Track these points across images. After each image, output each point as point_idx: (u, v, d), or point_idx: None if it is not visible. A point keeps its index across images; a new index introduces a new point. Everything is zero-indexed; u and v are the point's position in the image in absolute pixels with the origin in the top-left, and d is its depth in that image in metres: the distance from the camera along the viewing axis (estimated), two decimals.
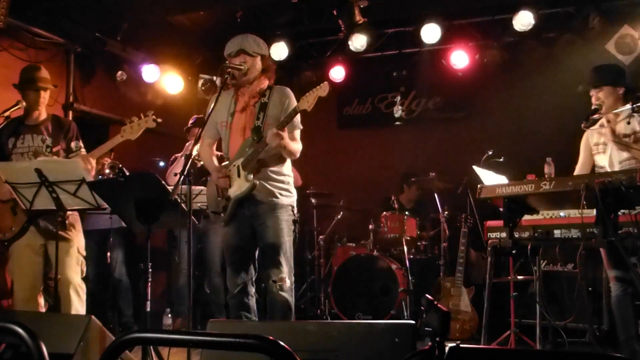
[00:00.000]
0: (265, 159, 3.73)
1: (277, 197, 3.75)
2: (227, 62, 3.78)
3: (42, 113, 4.33)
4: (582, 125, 3.83)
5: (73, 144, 4.30)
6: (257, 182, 3.67)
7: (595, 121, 3.87)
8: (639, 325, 4.01)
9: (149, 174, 3.40)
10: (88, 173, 3.80)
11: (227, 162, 3.86)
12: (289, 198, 3.82)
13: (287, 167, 3.89)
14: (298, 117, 3.75)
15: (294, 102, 3.75)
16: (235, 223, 3.81)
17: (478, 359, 1.60)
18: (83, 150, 4.28)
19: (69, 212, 4.17)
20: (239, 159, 3.74)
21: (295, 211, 3.86)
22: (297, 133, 3.82)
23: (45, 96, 4.31)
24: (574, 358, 1.63)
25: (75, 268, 4.20)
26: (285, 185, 3.82)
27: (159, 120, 3.67)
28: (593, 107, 3.86)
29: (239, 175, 3.73)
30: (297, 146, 3.77)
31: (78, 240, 4.29)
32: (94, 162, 4.08)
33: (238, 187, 3.74)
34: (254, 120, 3.75)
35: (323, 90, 3.54)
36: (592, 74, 4.13)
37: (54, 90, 4.57)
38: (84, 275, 4.31)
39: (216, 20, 6.70)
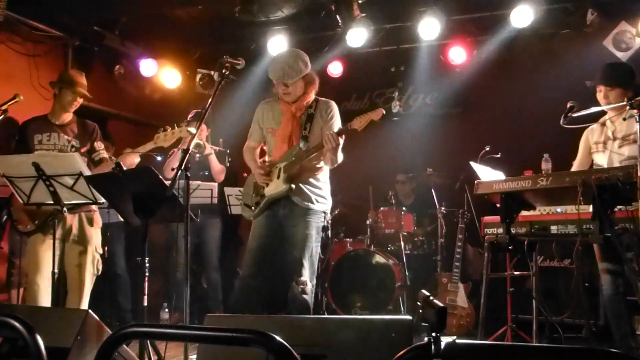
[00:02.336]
0: (306, 165, 3.99)
1: (312, 203, 3.99)
2: (224, 56, 3.80)
3: (70, 115, 4.39)
4: (561, 122, 3.82)
5: (97, 144, 4.41)
6: (294, 186, 3.93)
7: (574, 119, 3.84)
8: (634, 321, 4.02)
9: (146, 169, 3.40)
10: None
11: (269, 162, 4.11)
12: (323, 205, 4.06)
13: (325, 175, 4.14)
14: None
15: (336, 114, 4.02)
16: (265, 218, 4.06)
17: (474, 354, 1.61)
18: (103, 151, 4.41)
19: (93, 208, 4.22)
20: (282, 163, 4.00)
21: (328, 217, 4.13)
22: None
23: (79, 102, 4.40)
24: (571, 353, 1.63)
25: (89, 269, 4.24)
26: (322, 192, 4.07)
27: (194, 132, 3.70)
28: (569, 105, 3.83)
29: (278, 177, 3.99)
30: (340, 156, 3.99)
31: (97, 238, 4.34)
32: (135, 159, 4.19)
33: (275, 188, 4.00)
34: (301, 130, 4.03)
35: (376, 115, 3.89)
36: (607, 72, 4.04)
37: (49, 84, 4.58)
38: (99, 273, 4.33)
39: (214, 14, 6.69)
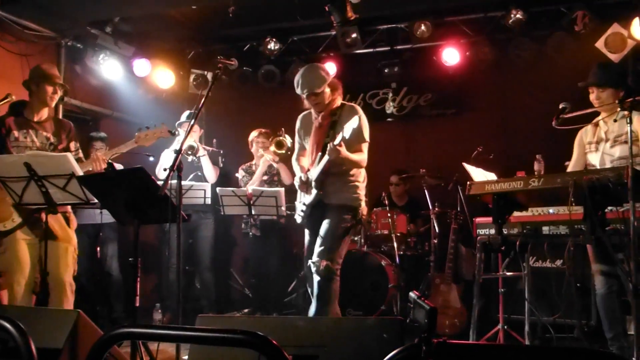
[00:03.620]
0: (333, 169, 4.25)
1: (341, 202, 4.29)
2: (218, 57, 3.83)
3: (47, 111, 4.35)
4: (553, 123, 3.84)
5: (72, 145, 4.38)
6: (321, 192, 4.28)
7: (566, 120, 3.86)
8: (626, 321, 4.04)
9: (138, 169, 3.39)
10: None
11: (308, 171, 4.44)
12: (353, 202, 4.33)
13: (356, 175, 4.38)
14: (365, 132, 4.30)
15: (357, 119, 4.08)
16: (310, 222, 4.42)
17: (464, 354, 1.61)
18: (78, 152, 4.37)
19: (69, 208, 4.18)
20: (313, 171, 4.33)
21: (360, 214, 4.37)
22: (364, 146, 4.33)
23: (59, 94, 4.36)
24: (562, 354, 1.64)
25: (70, 268, 4.21)
26: (352, 191, 4.34)
27: (175, 132, 3.75)
28: (561, 107, 3.85)
29: (311, 185, 4.34)
30: (359, 157, 4.29)
31: (75, 237, 4.32)
32: (104, 164, 4.16)
33: (310, 194, 4.37)
34: (326, 138, 4.28)
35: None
36: (598, 72, 4.07)
37: None
38: (76, 274, 4.31)
39: (208, 14, 6.68)
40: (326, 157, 4.15)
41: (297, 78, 4.35)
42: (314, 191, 4.32)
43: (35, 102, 4.29)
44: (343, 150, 4.09)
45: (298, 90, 4.35)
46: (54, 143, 4.27)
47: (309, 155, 4.44)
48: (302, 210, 4.46)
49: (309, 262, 4.25)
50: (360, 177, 4.42)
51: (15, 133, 4.19)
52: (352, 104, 4.49)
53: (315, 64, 4.52)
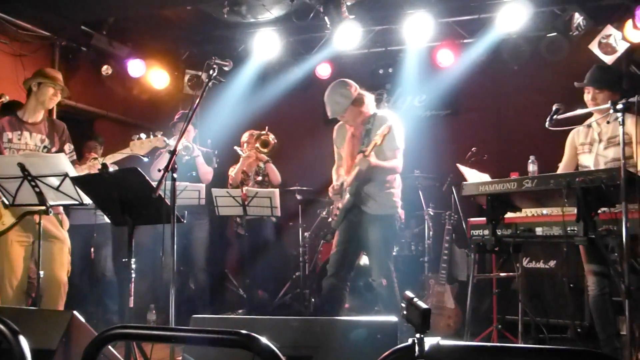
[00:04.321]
0: (368, 176, 4.29)
1: (377, 210, 4.33)
2: (212, 58, 3.82)
3: (42, 113, 4.34)
4: (546, 124, 3.85)
5: (66, 147, 4.38)
6: (354, 198, 4.32)
7: (560, 121, 3.88)
8: (619, 322, 4.05)
9: (132, 170, 3.38)
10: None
11: (342, 180, 4.48)
12: (389, 210, 4.38)
13: (391, 182, 4.43)
14: (398, 138, 4.34)
15: (388, 127, 4.17)
16: (343, 227, 4.43)
17: (457, 355, 1.62)
18: (72, 154, 4.38)
19: (60, 209, 4.17)
20: (348, 178, 4.35)
21: (399, 222, 4.46)
22: (398, 152, 4.37)
23: (59, 96, 4.36)
24: (556, 354, 1.65)
25: (64, 267, 4.20)
26: (387, 199, 4.38)
27: (169, 142, 3.75)
28: (555, 108, 3.86)
29: (345, 191, 4.39)
30: (393, 164, 4.34)
31: (67, 238, 4.31)
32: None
33: (345, 200, 4.40)
34: (360, 146, 4.34)
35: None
36: (596, 73, 4.07)
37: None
38: (69, 274, 4.30)
39: (203, 15, 6.67)
40: (357, 167, 4.20)
41: (325, 101, 4.45)
42: (347, 196, 4.36)
43: (33, 103, 4.28)
44: (373, 159, 4.15)
45: (328, 114, 4.45)
46: (48, 146, 4.26)
47: (345, 164, 4.50)
48: (335, 215, 4.50)
49: (370, 280, 4.45)
50: (395, 182, 4.46)
51: (9, 134, 4.18)
52: (385, 113, 4.51)
53: (338, 82, 4.55)
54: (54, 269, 4.12)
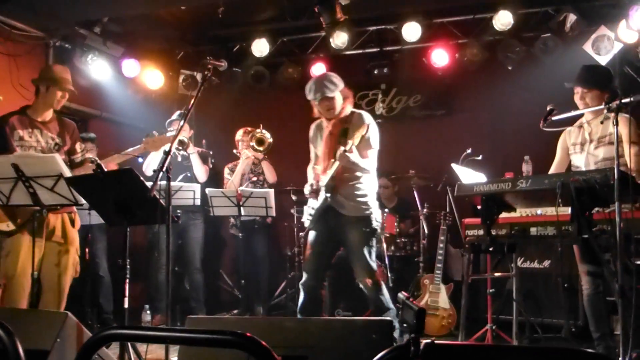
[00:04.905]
0: (344, 177, 4.32)
1: (355, 212, 4.33)
2: (207, 58, 3.83)
3: (51, 112, 4.32)
4: (541, 124, 3.87)
5: (78, 145, 4.37)
6: (329, 197, 4.31)
7: (554, 122, 3.89)
8: (613, 321, 4.07)
9: (127, 170, 3.38)
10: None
11: (319, 180, 4.45)
12: (367, 211, 4.36)
13: (367, 183, 4.41)
14: (374, 139, 4.37)
15: (367, 126, 4.25)
16: (319, 226, 4.44)
17: (452, 355, 1.62)
18: (84, 153, 4.40)
19: (74, 208, 4.16)
20: (324, 178, 4.34)
21: (375, 222, 4.40)
22: (371, 152, 4.38)
23: (66, 98, 4.34)
24: (550, 354, 1.65)
25: (68, 270, 4.18)
26: (364, 200, 4.37)
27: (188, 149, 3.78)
28: (549, 108, 3.88)
29: (321, 190, 4.37)
30: (367, 163, 4.34)
31: (78, 239, 4.29)
32: (115, 166, 4.17)
33: (319, 200, 4.39)
34: (336, 145, 4.29)
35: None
36: (584, 74, 4.08)
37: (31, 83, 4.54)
38: (77, 275, 4.28)
39: (197, 15, 6.67)
40: (337, 163, 4.19)
41: (309, 84, 4.40)
42: (322, 195, 4.36)
43: (41, 103, 4.26)
44: (352, 156, 4.15)
45: (310, 96, 4.39)
46: (59, 144, 4.24)
47: (321, 163, 4.48)
48: (310, 215, 4.49)
49: (358, 281, 4.39)
50: (370, 184, 4.45)
51: (20, 132, 4.14)
52: (362, 111, 4.53)
53: (325, 74, 4.61)
54: (55, 272, 4.10)
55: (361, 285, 4.38)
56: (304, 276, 4.46)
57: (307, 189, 4.49)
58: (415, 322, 1.63)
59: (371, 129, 4.34)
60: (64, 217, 4.18)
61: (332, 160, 4.28)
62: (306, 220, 4.56)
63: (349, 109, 4.46)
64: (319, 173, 4.51)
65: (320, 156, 4.51)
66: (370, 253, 4.35)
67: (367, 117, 4.42)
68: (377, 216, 4.44)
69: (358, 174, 4.36)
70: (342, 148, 4.12)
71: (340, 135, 4.36)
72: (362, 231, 4.33)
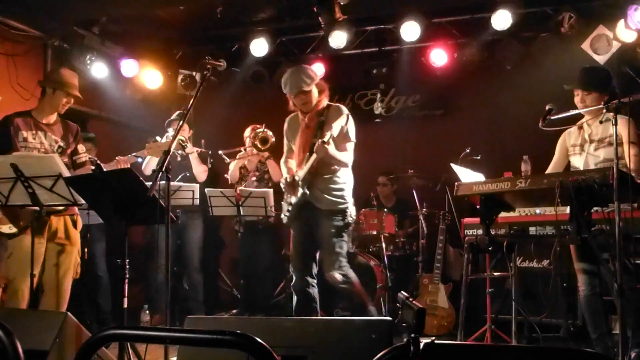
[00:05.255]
0: (320, 171, 4.28)
1: (331, 205, 4.30)
2: (206, 58, 3.82)
3: (55, 115, 4.33)
4: (540, 124, 3.87)
5: (80, 147, 4.38)
6: (307, 192, 4.27)
7: (553, 121, 3.89)
8: (611, 321, 4.08)
9: (126, 170, 3.38)
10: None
11: (295, 172, 4.41)
12: (342, 205, 4.33)
13: (343, 177, 4.38)
14: (352, 131, 4.34)
15: (344, 118, 4.23)
16: (298, 223, 4.43)
17: (452, 355, 1.63)
18: (86, 155, 4.42)
19: (75, 209, 4.18)
20: (300, 172, 4.30)
21: (349, 217, 4.37)
22: (349, 145, 4.35)
23: (71, 103, 4.35)
24: (548, 353, 1.66)
25: (70, 271, 4.19)
26: (340, 194, 4.34)
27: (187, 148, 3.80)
28: (548, 108, 3.88)
29: (298, 185, 4.31)
30: (346, 156, 4.32)
31: (79, 240, 4.30)
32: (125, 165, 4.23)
33: (297, 195, 4.34)
34: (312, 138, 4.25)
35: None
36: (584, 76, 4.06)
37: (35, 84, 4.55)
38: (78, 277, 4.29)
39: (196, 15, 6.66)
40: (314, 156, 4.14)
41: (285, 78, 4.38)
42: (300, 191, 4.31)
43: (47, 105, 4.27)
44: (331, 148, 4.10)
45: (286, 90, 4.37)
46: (63, 146, 4.25)
47: (296, 157, 4.44)
48: (288, 211, 4.46)
49: (326, 276, 4.34)
50: (347, 178, 4.42)
51: (24, 133, 4.15)
52: (339, 104, 4.50)
53: (302, 65, 4.59)
54: (57, 273, 4.11)
55: (329, 280, 4.33)
56: (293, 278, 4.46)
57: (283, 183, 4.45)
58: (415, 321, 1.64)
59: (350, 121, 4.32)
60: (66, 219, 4.20)
61: (308, 153, 4.24)
62: (284, 216, 4.52)
63: (325, 102, 4.43)
64: (292, 167, 4.48)
65: (295, 150, 4.47)
66: (341, 247, 4.32)
67: (344, 109, 4.37)
68: (352, 211, 4.41)
69: (335, 167, 4.34)
70: (320, 140, 4.06)
71: (317, 128, 4.33)
72: (335, 224, 4.29)
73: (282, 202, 4.58)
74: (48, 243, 4.09)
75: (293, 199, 4.39)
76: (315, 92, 4.36)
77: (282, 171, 4.65)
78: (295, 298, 4.45)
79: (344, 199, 4.36)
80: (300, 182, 4.30)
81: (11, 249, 4.04)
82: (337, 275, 4.28)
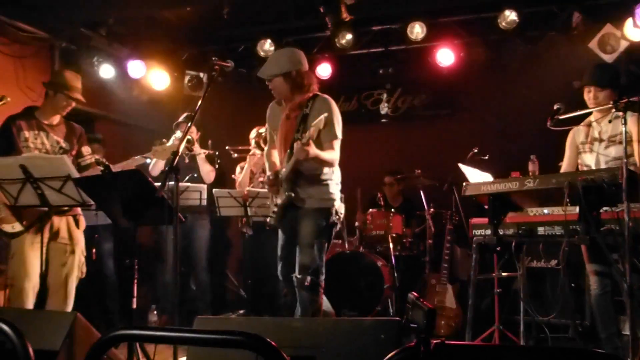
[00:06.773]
0: (303, 168, 3.89)
1: (314, 204, 3.93)
2: (213, 58, 3.81)
3: (59, 116, 4.34)
4: (548, 124, 3.86)
5: (84, 149, 4.39)
6: (292, 194, 3.91)
7: (561, 121, 3.88)
8: (620, 321, 4.06)
9: (134, 171, 3.39)
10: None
11: (278, 172, 4.05)
12: (326, 203, 3.95)
13: (328, 173, 3.98)
14: (337, 127, 3.90)
15: (329, 112, 3.80)
16: (283, 224, 4.08)
17: (462, 355, 1.62)
18: (91, 157, 4.41)
19: (78, 210, 4.19)
20: (283, 170, 3.96)
21: (335, 216, 3.97)
22: (335, 143, 3.92)
23: (73, 106, 4.37)
24: (557, 354, 1.65)
25: (75, 272, 4.20)
26: (324, 191, 3.96)
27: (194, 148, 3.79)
28: (555, 107, 3.86)
29: (281, 185, 3.99)
30: (331, 155, 3.88)
31: (83, 240, 4.31)
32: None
33: (281, 195, 4.00)
34: (294, 133, 3.89)
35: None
36: (597, 73, 4.05)
37: (41, 86, 4.56)
38: (83, 276, 4.30)
39: (202, 16, 6.67)
40: (295, 158, 3.79)
41: (270, 56, 4.11)
42: (283, 192, 3.98)
43: (49, 106, 4.29)
44: (312, 149, 3.68)
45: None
46: (65, 148, 4.25)
47: (279, 151, 4.07)
48: (273, 212, 4.11)
49: (292, 276, 3.94)
50: (333, 175, 4.02)
51: (26, 133, 4.16)
52: (326, 96, 4.03)
53: (291, 49, 4.18)
54: (60, 273, 4.12)
55: (296, 283, 3.90)
56: (285, 281, 4.13)
57: (267, 183, 4.11)
58: (425, 322, 1.63)
59: (335, 116, 3.88)
60: (69, 219, 4.20)
61: (289, 151, 3.89)
62: (270, 218, 4.18)
63: (309, 93, 3.98)
64: (275, 161, 4.16)
65: (277, 143, 4.09)
66: (320, 250, 3.91)
67: (331, 102, 3.96)
68: (339, 209, 4.02)
69: (319, 165, 3.94)
70: (299, 142, 3.66)
71: (300, 121, 3.92)
72: (317, 224, 3.90)
73: (268, 202, 4.27)
74: (51, 243, 4.09)
75: (279, 200, 4.05)
76: (280, 84, 3.95)
77: (265, 166, 4.30)
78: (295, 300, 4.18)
79: (329, 197, 3.97)
80: (283, 183, 3.97)
81: (14, 250, 4.06)
82: (307, 279, 3.85)
